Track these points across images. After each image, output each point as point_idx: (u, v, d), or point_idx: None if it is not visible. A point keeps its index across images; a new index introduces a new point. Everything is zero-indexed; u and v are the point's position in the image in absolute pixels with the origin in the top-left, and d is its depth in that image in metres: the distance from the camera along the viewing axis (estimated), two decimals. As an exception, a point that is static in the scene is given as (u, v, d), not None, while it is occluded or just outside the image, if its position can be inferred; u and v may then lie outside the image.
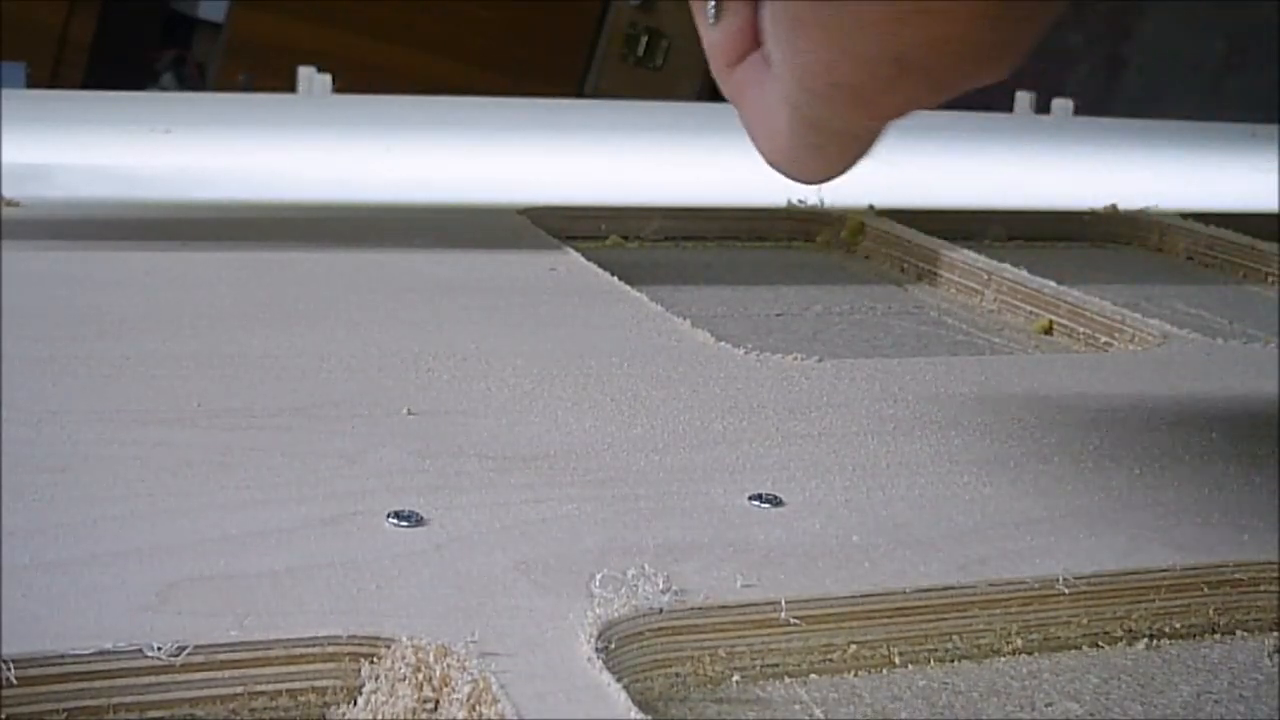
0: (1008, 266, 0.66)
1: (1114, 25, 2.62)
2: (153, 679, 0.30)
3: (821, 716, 0.33)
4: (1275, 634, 0.38)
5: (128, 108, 1.07)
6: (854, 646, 0.35)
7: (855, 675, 0.35)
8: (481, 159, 0.94)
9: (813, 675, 0.34)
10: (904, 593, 0.35)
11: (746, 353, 0.52)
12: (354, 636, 0.31)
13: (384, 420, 0.44)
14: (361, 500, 0.38)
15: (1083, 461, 0.44)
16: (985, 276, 0.66)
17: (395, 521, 0.37)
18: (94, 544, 0.34)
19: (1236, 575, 0.38)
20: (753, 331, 0.60)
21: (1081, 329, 0.61)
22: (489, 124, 1.08)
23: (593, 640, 0.31)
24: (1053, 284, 0.64)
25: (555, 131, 1.08)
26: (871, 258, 0.74)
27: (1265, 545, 0.39)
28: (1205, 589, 0.38)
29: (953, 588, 0.36)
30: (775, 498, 0.40)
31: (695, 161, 0.98)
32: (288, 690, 0.31)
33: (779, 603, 0.34)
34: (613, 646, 0.32)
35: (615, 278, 0.61)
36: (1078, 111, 1.30)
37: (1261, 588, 0.38)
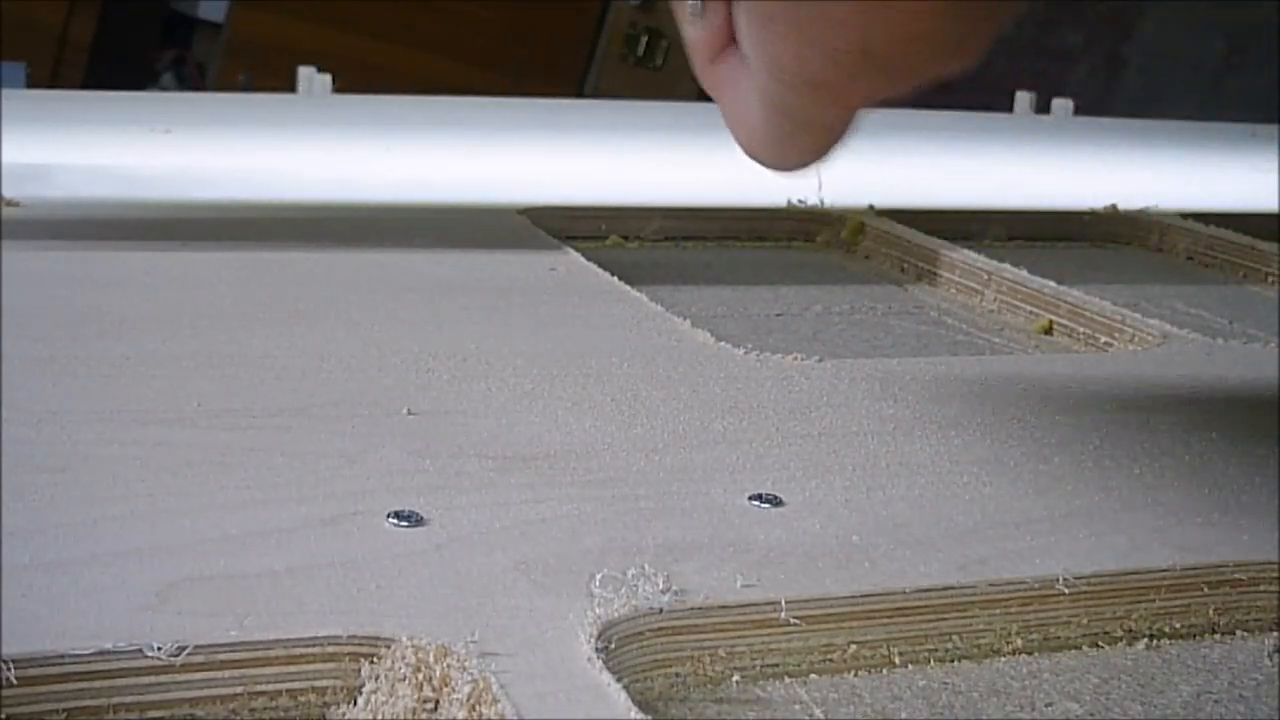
0: (1008, 266, 0.66)
1: (1114, 25, 2.62)
2: (153, 679, 0.30)
3: (821, 716, 0.33)
4: (1275, 634, 0.38)
5: (128, 108, 1.06)
6: (854, 646, 0.35)
7: (855, 675, 0.35)
8: (481, 159, 0.94)
9: (813, 675, 0.34)
10: (904, 593, 0.35)
11: (746, 353, 0.52)
12: (354, 636, 0.31)
13: (384, 420, 0.44)
14: (361, 500, 0.38)
15: (1083, 461, 0.44)
16: (985, 276, 0.66)
17: (395, 521, 0.37)
18: (94, 544, 0.34)
19: (1236, 575, 0.38)
20: (753, 331, 0.60)
21: (1081, 329, 0.61)
22: (489, 124, 1.08)
23: (593, 640, 0.31)
24: (1053, 284, 0.64)
25: (555, 131, 1.07)
26: (871, 258, 0.74)
27: (1265, 545, 0.39)
28: (1205, 589, 0.38)
29: (953, 588, 0.36)
30: (775, 498, 0.40)
31: (695, 161, 0.97)
32: (288, 690, 0.31)
33: (779, 603, 0.34)
34: (613, 646, 0.32)
35: (615, 278, 0.61)
36: (1078, 111, 1.30)
37: (1261, 588, 0.38)
